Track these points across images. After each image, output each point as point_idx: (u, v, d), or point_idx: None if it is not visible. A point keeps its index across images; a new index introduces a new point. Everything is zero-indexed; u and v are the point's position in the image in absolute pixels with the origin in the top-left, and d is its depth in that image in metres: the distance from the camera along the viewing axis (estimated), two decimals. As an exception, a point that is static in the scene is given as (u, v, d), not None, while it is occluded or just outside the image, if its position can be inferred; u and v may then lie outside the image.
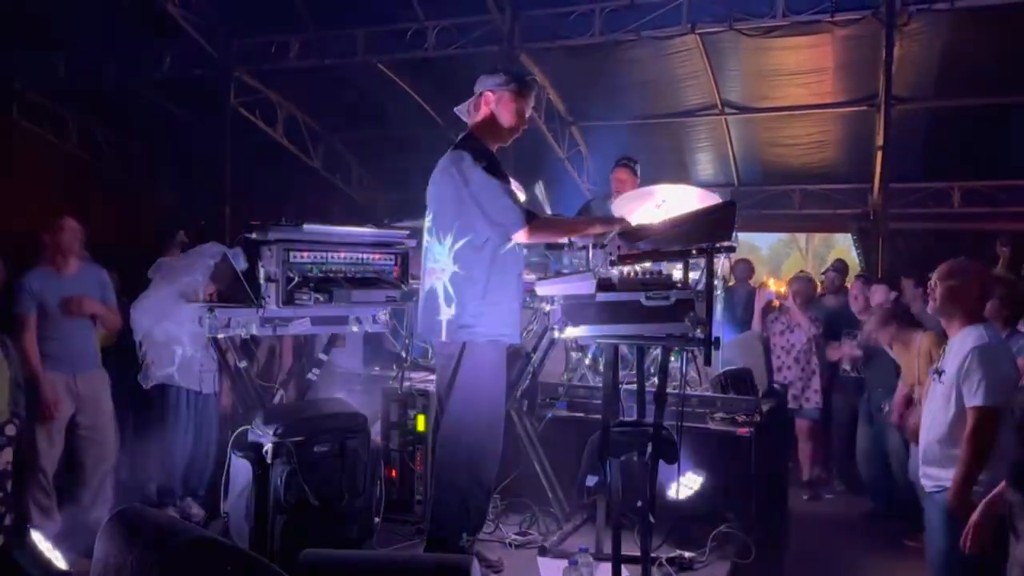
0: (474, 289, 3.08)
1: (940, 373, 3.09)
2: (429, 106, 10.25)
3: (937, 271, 3.17)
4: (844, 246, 20.08)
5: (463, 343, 3.12)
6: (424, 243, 3.31)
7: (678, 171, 10.76)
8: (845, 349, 5.96)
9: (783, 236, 27.36)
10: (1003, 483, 2.77)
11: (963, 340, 3.02)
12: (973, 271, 3.15)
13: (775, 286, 10.85)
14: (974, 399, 2.89)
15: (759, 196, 11.15)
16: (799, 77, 9.27)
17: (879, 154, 8.91)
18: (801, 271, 7.75)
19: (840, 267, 7.56)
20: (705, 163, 11.36)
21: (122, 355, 4.85)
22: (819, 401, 6.09)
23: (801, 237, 26.81)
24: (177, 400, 4.81)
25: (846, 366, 6.04)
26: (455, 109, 3.39)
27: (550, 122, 10.62)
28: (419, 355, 4.48)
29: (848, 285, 7.65)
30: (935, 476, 3.04)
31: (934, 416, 3.08)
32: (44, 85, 11.11)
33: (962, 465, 2.88)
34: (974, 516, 2.79)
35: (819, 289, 7.30)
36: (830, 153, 10.62)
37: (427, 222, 3.29)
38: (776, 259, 28.72)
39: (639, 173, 5.41)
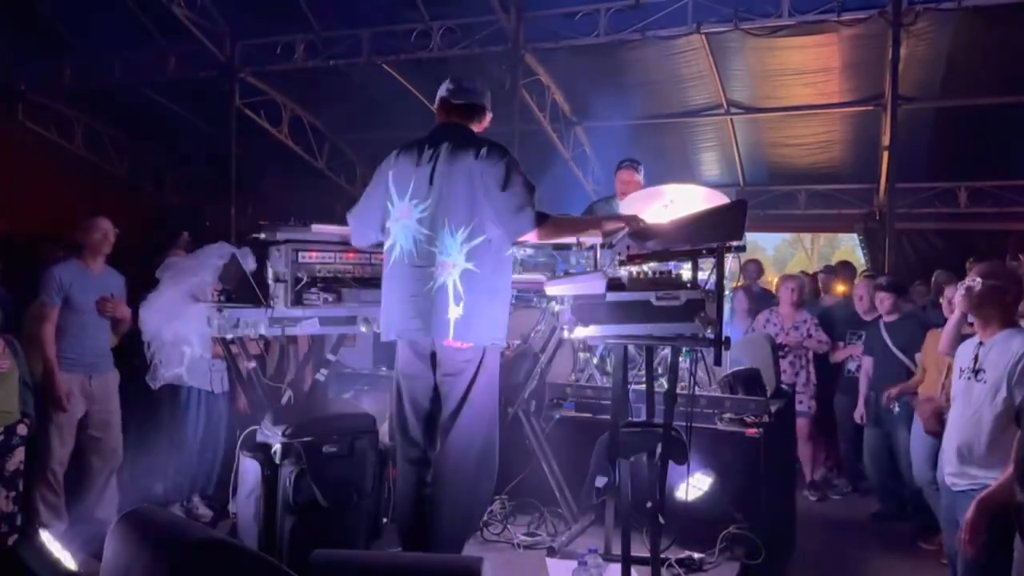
0: (486, 290, 3.04)
1: (978, 373, 3.06)
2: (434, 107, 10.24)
3: (978, 270, 3.12)
4: (849, 246, 20.07)
5: (483, 348, 3.07)
6: (419, 234, 3.09)
7: (683, 171, 10.72)
8: (856, 349, 5.93)
9: (788, 236, 27.35)
10: (998, 481, 2.75)
11: (1008, 341, 2.97)
12: (1015, 275, 3.10)
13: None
14: None
15: (764, 196, 11.12)
16: (805, 77, 9.24)
17: (885, 154, 8.89)
18: (787, 274, 7.73)
19: (831, 269, 7.59)
20: (710, 163, 11.33)
21: (129, 355, 4.85)
22: (811, 405, 6.05)
23: (806, 237, 26.78)
24: (185, 400, 4.82)
25: (851, 366, 6.02)
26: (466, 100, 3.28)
27: (555, 122, 10.61)
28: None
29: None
30: (974, 475, 2.99)
31: (973, 417, 3.03)
32: (50, 87, 11.15)
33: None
34: (968, 513, 2.76)
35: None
36: (836, 153, 10.59)
37: (425, 209, 3.08)
38: (781, 259, 28.69)
39: (643, 174, 5.40)
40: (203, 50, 10.07)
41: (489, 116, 3.31)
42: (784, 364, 6.04)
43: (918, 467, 4.80)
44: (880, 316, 5.87)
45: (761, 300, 7.06)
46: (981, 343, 3.12)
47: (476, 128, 3.26)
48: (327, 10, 9.55)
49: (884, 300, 5.57)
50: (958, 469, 3.08)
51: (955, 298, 4.17)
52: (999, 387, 2.94)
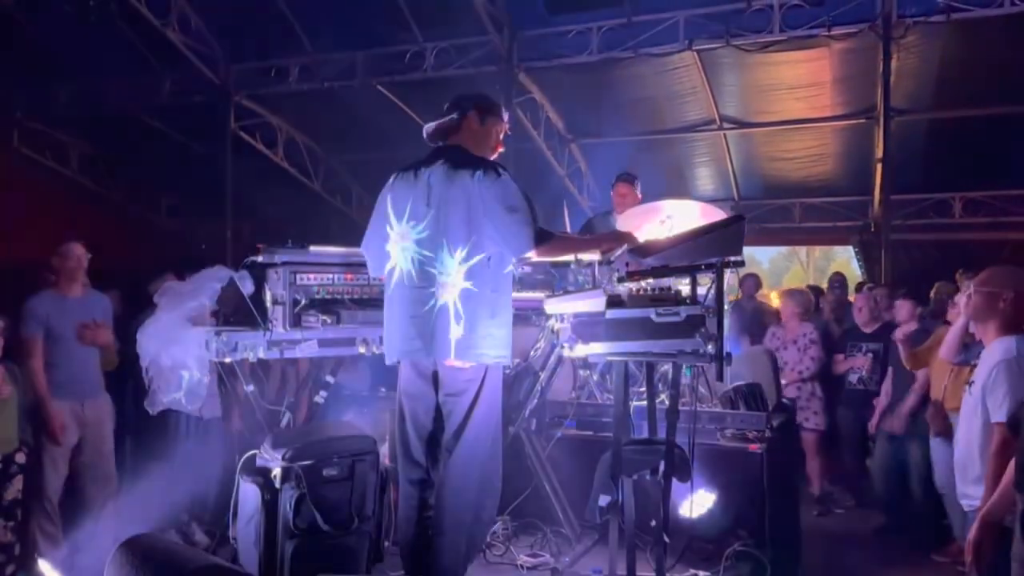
0: (485, 308, 3.03)
1: (971, 384, 3.02)
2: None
3: (976, 279, 3.11)
4: (845, 258, 20.09)
5: (485, 367, 3.04)
6: (417, 255, 3.08)
7: (678, 187, 10.77)
8: (857, 361, 5.91)
9: (783, 249, 27.41)
10: (995, 495, 2.70)
11: (992, 352, 2.94)
12: (1011, 280, 3.02)
13: (777, 300, 10.81)
14: (998, 414, 2.81)
15: (759, 210, 11.17)
16: (797, 91, 9.31)
17: (879, 166, 8.93)
18: (789, 289, 7.71)
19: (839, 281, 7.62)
20: (705, 178, 11.38)
21: (122, 380, 4.82)
22: (818, 423, 6.02)
23: (801, 250, 26.87)
24: (178, 425, 4.78)
25: (851, 378, 6.00)
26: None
27: (549, 140, 10.66)
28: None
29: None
30: (970, 494, 2.95)
31: (966, 430, 3.01)
32: (45, 113, 11.17)
33: (989, 482, 2.78)
34: (971, 532, 2.72)
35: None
36: (830, 166, 10.64)
37: (423, 230, 3.07)
38: (777, 272, 28.73)
39: (640, 188, 5.42)
40: (198, 74, 10.11)
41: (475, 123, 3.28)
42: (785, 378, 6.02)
43: (939, 473, 4.77)
44: (883, 326, 5.87)
45: (754, 317, 7.06)
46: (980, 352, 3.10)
47: (466, 135, 3.25)
48: (321, 33, 9.61)
49: (902, 307, 5.56)
50: (960, 488, 3.05)
51: (961, 303, 4.18)
52: (980, 399, 2.90)
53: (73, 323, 4.43)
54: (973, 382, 2.99)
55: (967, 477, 2.99)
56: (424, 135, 3.26)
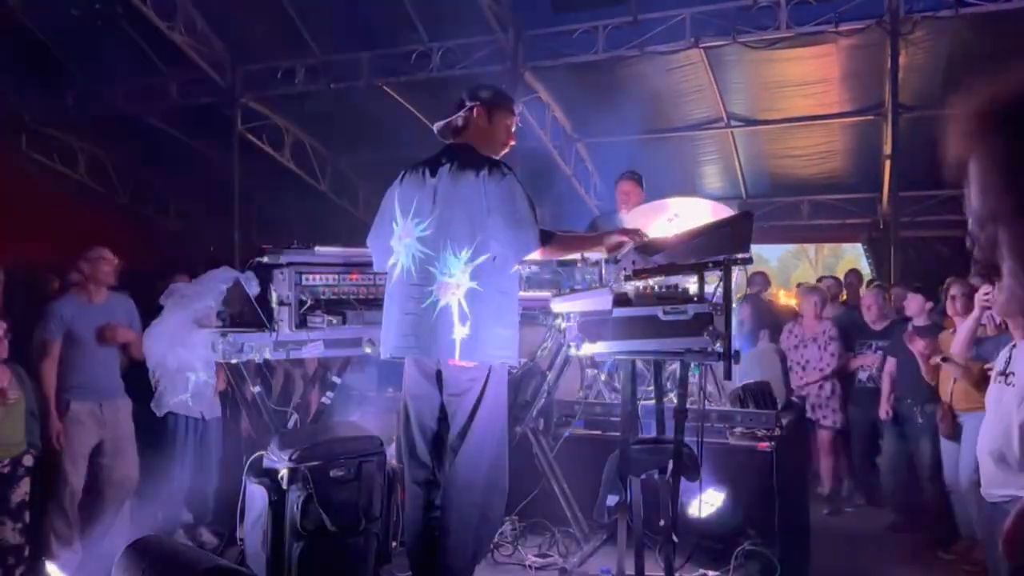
0: (491, 308, 3.01)
1: (1008, 376, 2.97)
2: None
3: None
4: (853, 255, 20.00)
5: (488, 367, 3.02)
6: (419, 252, 3.05)
7: (685, 185, 10.73)
8: (868, 359, 5.88)
9: (791, 247, 27.29)
10: None
11: None
12: None
13: (785, 298, 10.78)
14: None
15: (767, 208, 11.12)
16: (804, 88, 9.27)
17: (888, 163, 8.88)
18: (809, 285, 7.64)
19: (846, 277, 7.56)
20: (712, 176, 11.35)
21: (128, 383, 4.82)
22: (835, 420, 5.98)
23: (810, 248, 26.78)
24: (182, 427, 4.79)
25: (861, 376, 5.97)
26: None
27: (556, 139, 10.65)
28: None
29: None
30: (1008, 486, 2.87)
31: (1003, 423, 2.95)
32: (53, 117, 11.23)
33: None
34: (1008, 522, 2.67)
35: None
36: (838, 163, 10.60)
37: (427, 228, 3.05)
38: (785, 270, 28.59)
39: (644, 186, 5.39)
40: (204, 77, 10.16)
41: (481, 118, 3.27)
42: (806, 376, 5.98)
43: (948, 471, 4.73)
44: (892, 324, 5.83)
45: (765, 312, 7.02)
46: (1014, 345, 3.05)
47: (475, 132, 3.23)
48: (327, 34, 9.62)
49: (912, 301, 5.53)
50: (991, 479, 2.99)
51: (976, 299, 4.13)
52: None
53: (95, 327, 4.46)
54: (1013, 373, 2.93)
55: (1002, 468, 2.92)
56: (436, 132, 3.26)
